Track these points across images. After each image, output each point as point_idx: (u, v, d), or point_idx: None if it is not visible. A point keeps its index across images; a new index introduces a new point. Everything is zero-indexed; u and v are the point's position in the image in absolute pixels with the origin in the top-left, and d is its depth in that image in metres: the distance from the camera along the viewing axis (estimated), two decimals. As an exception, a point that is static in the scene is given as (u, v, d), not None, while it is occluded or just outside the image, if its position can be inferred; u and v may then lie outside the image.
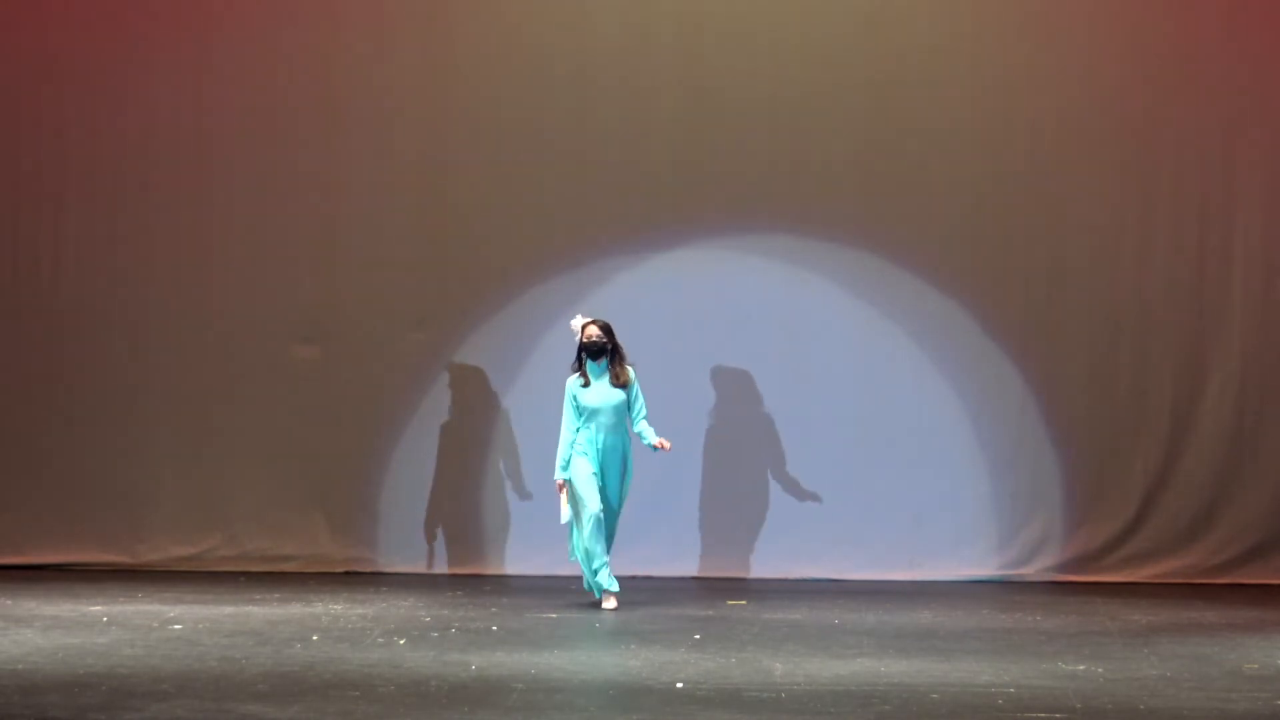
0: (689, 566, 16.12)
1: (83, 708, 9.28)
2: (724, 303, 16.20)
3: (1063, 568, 16.07)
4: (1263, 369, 16.10)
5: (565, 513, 13.61)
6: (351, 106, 16.37)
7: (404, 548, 16.31)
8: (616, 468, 13.69)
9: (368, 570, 16.26)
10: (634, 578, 15.71)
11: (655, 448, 13.69)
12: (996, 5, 16.22)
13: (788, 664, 10.97)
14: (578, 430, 13.60)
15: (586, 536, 13.50)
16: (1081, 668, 10.96)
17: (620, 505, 13.81)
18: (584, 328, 13.56)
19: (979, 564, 16.10)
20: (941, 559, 16.09)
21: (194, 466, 16.38)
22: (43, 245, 16.50)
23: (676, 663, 11.01)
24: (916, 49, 16.14)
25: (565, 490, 13.60)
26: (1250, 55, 16.08)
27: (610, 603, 13.64)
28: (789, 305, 16.13)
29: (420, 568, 16.24)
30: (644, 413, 13.70)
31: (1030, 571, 16.07)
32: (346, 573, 16.21)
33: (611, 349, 13.57)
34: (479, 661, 10.99)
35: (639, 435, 13.76)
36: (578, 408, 13.58)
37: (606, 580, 13.62)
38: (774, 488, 16.14)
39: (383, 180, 16.37)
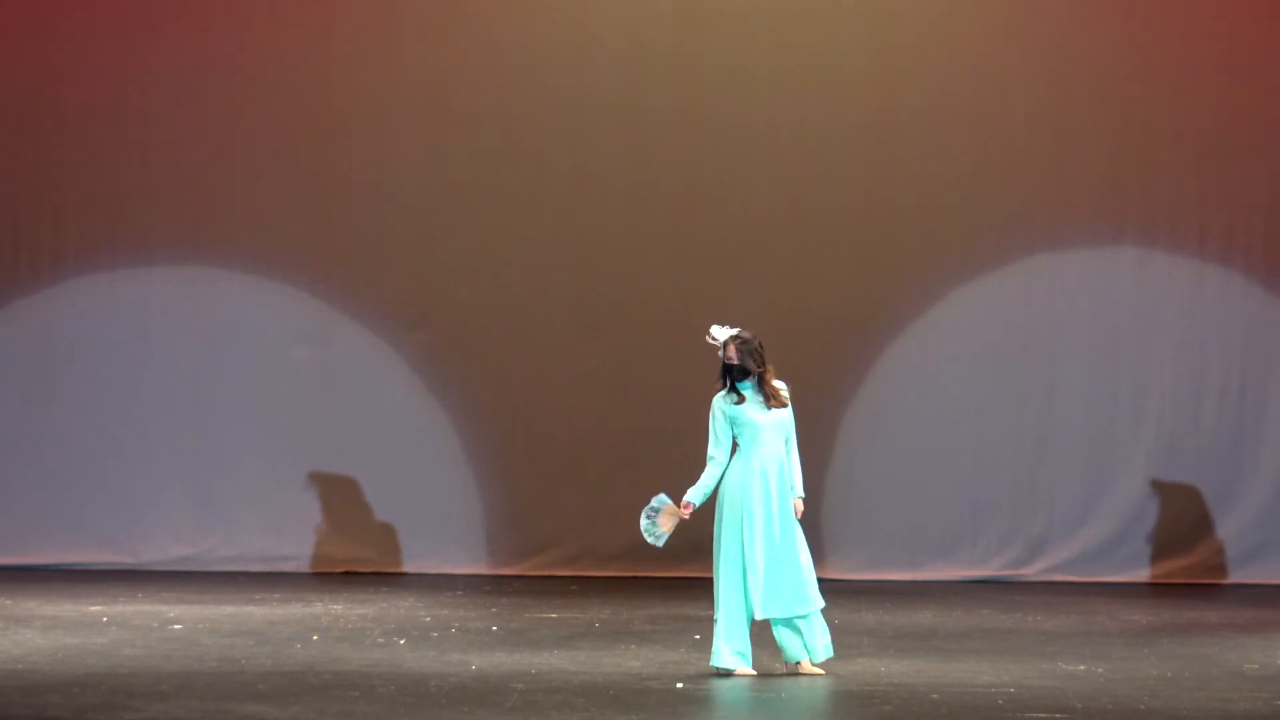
0: (689, 566, 16.10)
1: (83, 708, 9.28)
2: (723, 305, 16.21)
3: (1063, 568, 16.07)
4: (1262, 369, 16.11)
5: (665, 538, 10.83)
6: (352, 106, 16.37)
7: (404, 547, 16.31)
8: (785, 485, 10.78)
9: (368, 570, 16.26)
10: (635, 579, 15.72)
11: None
12: (1000, 7, 16.23)
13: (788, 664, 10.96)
14: (733, 455, 10.77)
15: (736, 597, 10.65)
16: (1081, 668, 10.95)
17: (797, 545, 10.73)
18: (726, 345, 10.80)
19: (979, 564, 16.10)
20: (941, 559, 16.10)
21: (194, 466, 16.38)
22: (43, 245, 16.49)
23: (676, 663, 11.01)
24: (919, 44, 16.18)
25: (684, 513, 10.79)
26: (1250, 55, 16.08)
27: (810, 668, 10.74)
28: (787, 309, 16.11)
29: (420, 567, 16.23)
30: (794, 450, 10.90)
31: (1030, 571, 16.07)
32: (346, 573, 16.21)
33: (759, 371, 10.80)
34: (479, 661, 10.98)
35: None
36: (736, 426, 10.72)
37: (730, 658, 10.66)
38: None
39: (381, 178, 16.36)
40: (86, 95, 16.44)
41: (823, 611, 10.65)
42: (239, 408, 16.37)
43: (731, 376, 10.80)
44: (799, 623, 10.59)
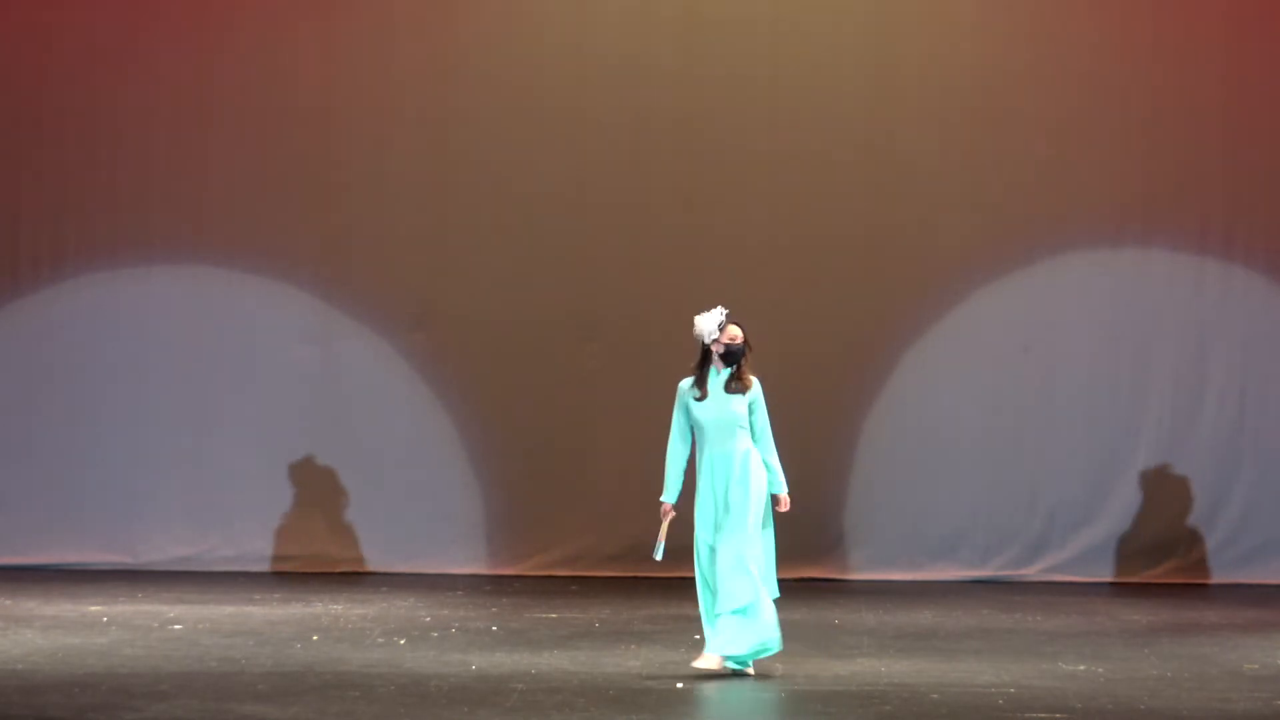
0: (689, 567, 16.09)
1: (83, 708, 9.28)
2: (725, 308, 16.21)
3: (1063, 568, 16.07)
4: (1263, 369, 16.11)
5: (660, 547, 11.02)
6: (352, 106, 16.37)
7: (404, 547, 16.31)
8: (734, 480, 10.72)
9: (368, 570, 16.26)
10: (635, 579, 15.72)
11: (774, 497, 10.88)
12: (1001, 7, 16.23)
13: (788, 664, 10.96)
14: (688, 446, 10.91)
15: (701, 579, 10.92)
16: (1081, 668, 10.96)
17: (759, 523, 10.75)
18: (726, 326, 10.80)
19: (979, 564, 16.10)
20: (941, 559, 16.10)
21: (194, 466, 16.38)
22: (43, 245, 16.49)
23: (676, 663, 11.01)
24: (920, 49, 16.18)
25: (668, 518, 10.97)
26: (1250, 55, 16.09)
27: (706, 662, 10.67)
28: (787, 314, 16.11)
29: (419, 567, 16.23)
30: (767, 438, 10.83)
31: (1030, 571, 16.07)
32: (346, 573, 16.21)
33: (745, 347, 10.87)
34: (479, 661, 10.99)
35: (764, 465, 10.84)
36: (689, 419, 10.85)
37: (709, 639, 10.72)
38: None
39: (382, 180, 16.37)
40: (86, 95, 16.44)
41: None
42: (239, 408, 16.37)
43: (725, 361, 10.73)
44: (736, 618, 10.52)
